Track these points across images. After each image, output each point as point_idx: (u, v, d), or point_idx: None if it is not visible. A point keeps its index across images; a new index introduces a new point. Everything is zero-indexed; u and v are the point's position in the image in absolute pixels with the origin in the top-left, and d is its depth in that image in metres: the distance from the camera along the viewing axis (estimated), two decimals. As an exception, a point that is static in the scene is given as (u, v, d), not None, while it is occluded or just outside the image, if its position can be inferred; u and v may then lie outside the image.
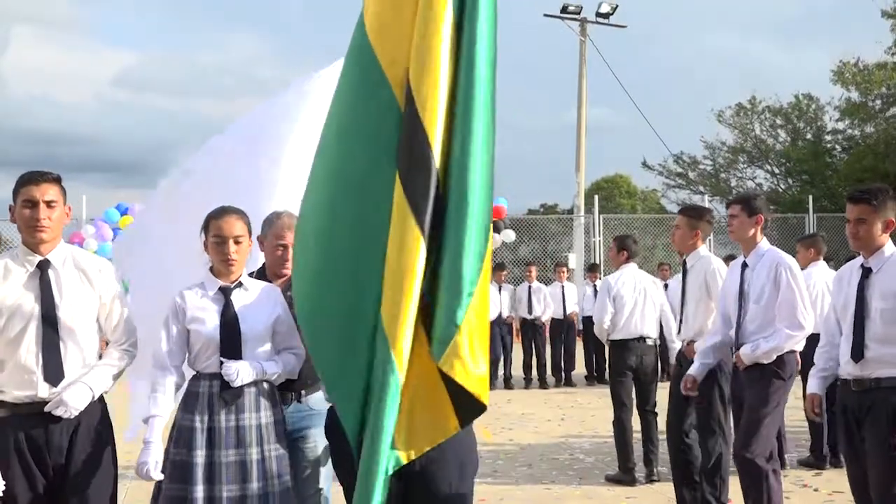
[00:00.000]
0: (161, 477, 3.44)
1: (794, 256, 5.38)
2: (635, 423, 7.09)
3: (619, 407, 7.07)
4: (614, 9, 22.64)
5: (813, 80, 66.97)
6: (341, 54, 3.03)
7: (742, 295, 4.98)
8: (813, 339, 5.08)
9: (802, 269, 7.56)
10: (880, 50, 27.93)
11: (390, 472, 2.70)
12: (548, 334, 14.02)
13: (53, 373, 3.41)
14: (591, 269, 14.59)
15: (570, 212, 23.14)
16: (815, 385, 4.31)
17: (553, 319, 14.02)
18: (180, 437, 3.47)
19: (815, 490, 6.59)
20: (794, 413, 7.82)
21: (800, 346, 5.06)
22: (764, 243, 5.05)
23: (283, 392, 3.72)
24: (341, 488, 3.24)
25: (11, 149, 62.91)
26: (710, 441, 5.59)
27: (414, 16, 2.76)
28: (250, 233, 3.68)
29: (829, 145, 31.84)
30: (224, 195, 3.89)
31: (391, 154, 2.77)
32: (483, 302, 2.68)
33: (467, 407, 2.71)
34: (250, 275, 3.85)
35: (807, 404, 4.39)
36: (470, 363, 2.62)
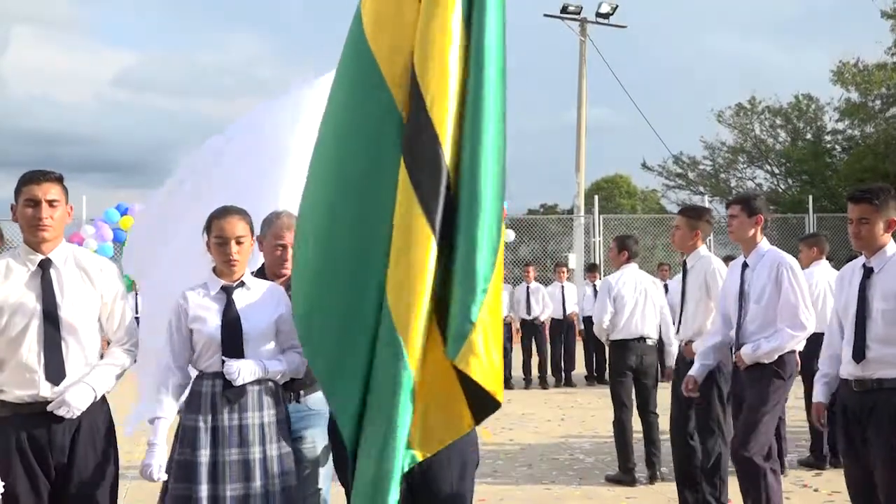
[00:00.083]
0: (164, 479, 3.45)
1: (795, 256, 5.38)
2: (636, 423, 7.09)
3: (619, 407, 7.06)
4: (614, 9, 22.64)
5: (813, 81, 67.04)
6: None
7: (742, 295, 4.98)
8: (814, 339, 5.08)
9: (805, 268, 7.60)
10: (880, 50, 27.97)
11: (405, 470, 2.69)
12: (548, 334, 14.02)
13: (55, 372, 3.41)
14: (591, 270, 14.59)
15: (570, 212, 23.15)
16: (819, 393, 4.30)
17: (553, 319, 14.02)
18: (184, 437, 3.48)
19: (815, 490, 6.59)
20: (794, 413, 7.84)
21: (800, 346, 5.07)
22: (764, 243, 5.04)
23: (282, 392, 3.73)
24: (342, 489, 3.24)
25: (11, 149, 62.93)
26: (708, 441, 5.60)
27: (414, 14, 2.75)
28: (252, 233, 3.68)
29: (828, 145, 31.85)
30: (226, 195, 3.90)
31: (390, 154, 2.76)
32: (497, 298, 2.67)
33: (482, 404, 2.69)
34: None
35: (812, 413, 4.38)
36: (485, 360, 2.60)
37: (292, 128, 4.71)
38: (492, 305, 2.63)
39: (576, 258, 20.16)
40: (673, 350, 6.90)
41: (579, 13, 22.74)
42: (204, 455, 3.42)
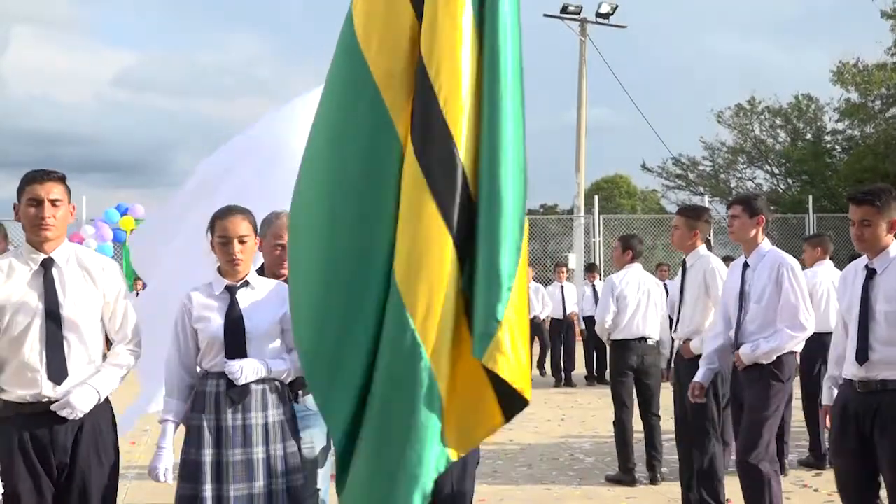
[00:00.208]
0: (170, 481, 3.48)
1: (796, 256, 5.38)
2: (636, 423, 7.08)
3: (619, 407, 7.06)
4: (614, 9, 22.64)
5: (813, 81, 67.04)
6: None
7: (743, 295, 4.97)
8: (815, 340, 5.09)
9: (809, 268, 7.62)
10: (880, 50, 27.98)
11: (442, 469, 2.65)
12: (547, 335, 14.02)
13: (57, 371, 3.42)
14: (590, 270, 14.59)
15: (570, 212, 23.15)
16: (827, 395, 4.29)
17: (553, 319, 14.02)
18: (189, 437, 3.51)
19: (815, 490, 6.60)
20: (793, 413, 7.83)
21: (799, 348, 5.06)
22: (765, 244, 5.03)
23: (288, 391, 3.73)
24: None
25: (11, 149, 62.86)
26: (704, 441, 5.61)
27: (407, 13, 2.73)
28: (256, 232, 3.69)
29: (828, 145, 31.85)
30: (229, 196, 3.91)
31: (380, 155, 2.74)
32: (522, 296, 2.64)
33: (510, 402, 2.67)
34: None
35: (820, 415, 4.37)
36: (512, 358, 2.59)
37: (295, 131, 4.73)
38: (518, 304, 2.61)
39: (576, 258, 20.16)
40: (665, 353, 6.92)
41: (579, 13, 22.74)
42: (208, 455, 3.43)
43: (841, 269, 5.30)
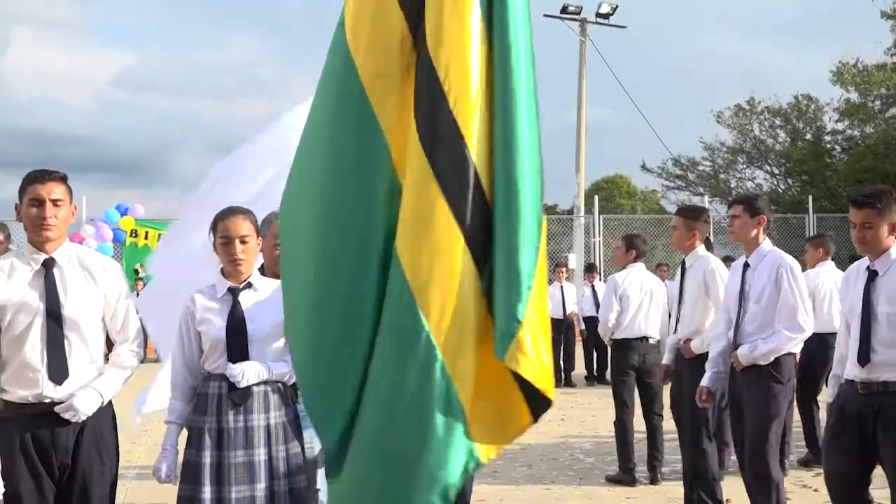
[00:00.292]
0: (173, 482, 3.50)
1: (796, 256, 5.38)
2: (637, 423, 7.08)
3: (620, 407, 7.05)
4: (614, 9, 22.63)
5: (813, 81, 67.04)
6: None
7: (743, 295, 4.97)
8: (815, 340, 5.09)
9: (811, 268, 7.62)
10: (880, 51, 27.99)
11: (472, 471, 2.61)
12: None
13: (58, 371, 3.42)
14: (589, 270, 14.58)
15: (570, 212, 23.16)
16: (833, 395, 4.29)
17: (553, 320, 13.98)
18: (191, 438, 3.52)
19: (815, 490, 6.59)
20: (794, 413, 7.84)
21: (798, 349, 5.06)
22: (766, 244, 5.02)
23: (291, 392, 3.74)
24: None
25: (11, 149, 62.95)
26: (699, 440, 5.63)
27: (396, 14, 2.71)
28: (258, 232, 3.69)
29: (828, 146, 31.87)
30: (234, 199, 3.94)
31: (370, 162, 2.71)
32: (542, 295, 2.60)
33: (535, 402, 2.63)
34: None
35: (827, 414, 4.38)
36: (535, 357, 2.55)
37: (296, 138, 4.77)
38: (538, 303, 2.57)
39: (576, 258, 20.16)
40: (663, 352, 6.93)
41: (579, 13, 22.73)
42: (208, 456, 3.44)
43: (841, 269, 5.30)
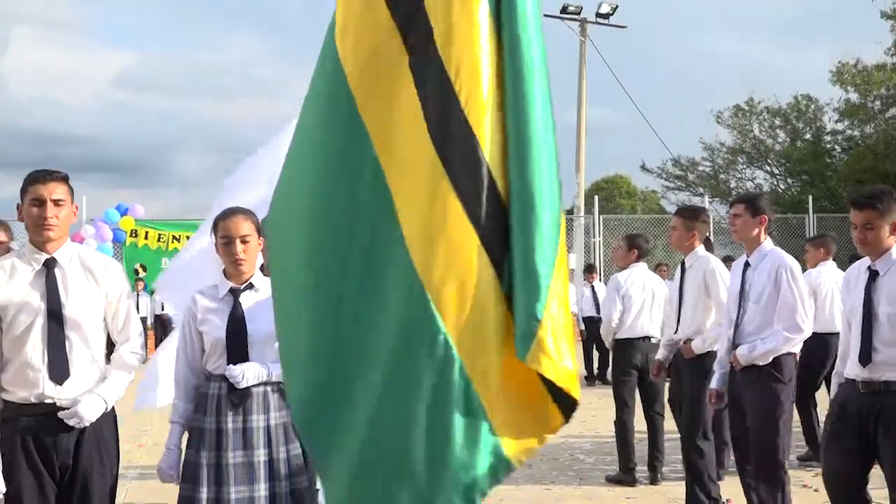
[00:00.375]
0: (176, 482, 3.51)
1: (796, 256, 5.38)
2: (638, 423, 7.08)
3: (620, 407, 7.04)
4: (614, 9, 22.64)
5: (813, 81, 67.06)
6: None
7: (743, 294, 4.98)
8: (815, 340, 5.09)
9: (812, 268, 7.63)
10: (880, 51, 28.01)
11: (500, 478, 2.54)
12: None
13: (59, 371, 3.42)
14: (589, 270, 14.56)
15: (570, 212, 23.15)
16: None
17: (553, 320, 13.97)
18: (191, 438, 3.53)
19: (815, 490, 6.59)
20: (794, 413, 7.84)
21: (798, 348, 5.06)
22: (767, 243, 5.02)
23: None
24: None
25: (11, 149, 62.96)
26: (697, 439, 5.65)
27: (384, 15, 2.69)
28: (259, 232, 3.70)
29: (828, 146, 31.89)
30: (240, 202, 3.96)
31: (355, 162, 2.69)
32: (563, 293, 2.56)
33: (561, 402, 2.57)
34: None
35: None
36: (557, 357, 2.50)
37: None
38: (560, 302, 2.53)
39: (576, 258, 20.17)
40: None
41: (579, 13, 22.73)
42: (206, 457, 3.44)
43: (842, 269, 5.30)
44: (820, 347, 6.71)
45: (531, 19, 2.63)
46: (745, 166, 34.19)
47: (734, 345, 4.95)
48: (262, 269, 4.07)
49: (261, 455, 3.46)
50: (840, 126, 31.12)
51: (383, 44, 2.71)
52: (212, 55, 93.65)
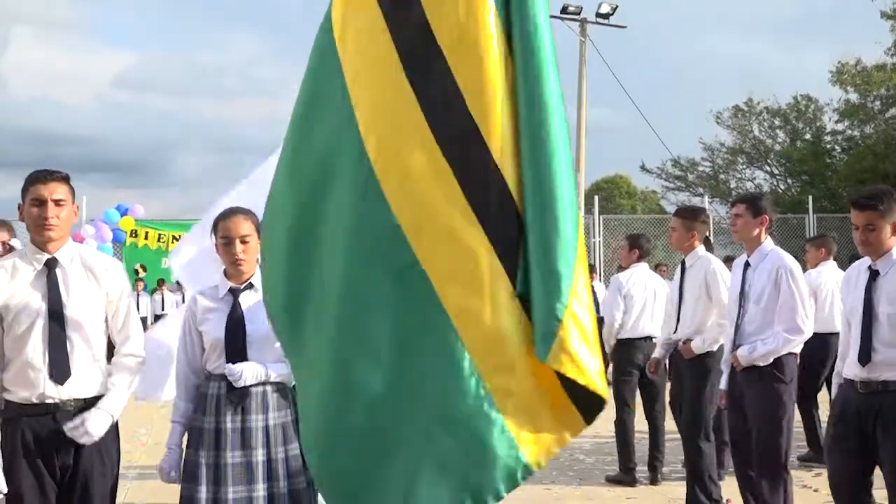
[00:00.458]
0: (177, 481, 3.52)
1: (796, 256, 5.38)
2: (638, 423, 7.08)
3: (621, 407, 7.04)
4: (614, 9, 22.61)
5: (813, 81, 67.06)
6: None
7: (743, 295, 4.98)
8: (816, 339, 5.08)
9: (812, 268, 7.63)
10: (880, 51, 28.02)
11: (519, 482, 2.51)
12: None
13: (60, 371, 3.42)
14: (588, 270, 14.52)
15: (570, 212, 23.09)
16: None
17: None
18: (190, 438, 3.54)
19: (815, 490, 6.60)
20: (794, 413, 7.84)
21: (799, 349, 5.07)
22: (768, 243, 5.02)
23: (291, 393, 3.75)
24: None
25: (11, 149, 63.03)
26: (698, 440, 5.65)
27: (377, 13, 2.67)
28: (259, 233, 3.69)
29: (828, 146, 31.89)
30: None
31: (346, 160, 2.66)
32: (586, 291, 2.52)
33: (586, 404, 2.53)
34: None
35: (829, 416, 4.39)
36: (580, 356, 2.46)
37: None
38: (583, 302, 2.49)
39: (576, 258, 20.12)
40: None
41: (579, 13, 22.71)
42: (205, 456, 3.45)
43: (842, 269, 5.30)
44: (820, 347, 6.71)
45: (542, 18, 2.60)
46: (744, 166, 34.21)
47: (735, 345, 4.96)
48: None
49: (259, 455, 3.46)
50: (840, 126, 31.15)
51: (374, 43, 2.68)
52: (212, 55, 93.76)
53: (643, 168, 35.31)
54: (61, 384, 3.42)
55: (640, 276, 7.23)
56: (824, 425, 7.05)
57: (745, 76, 70.72)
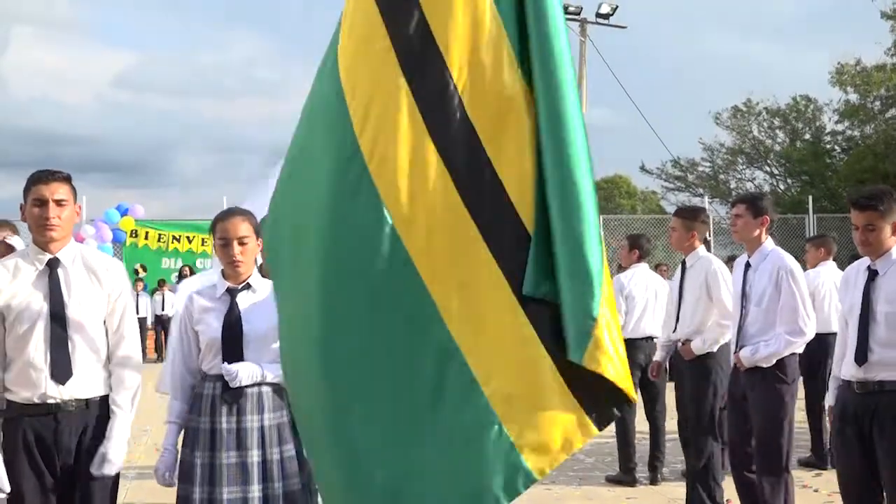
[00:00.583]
0: (173, 482, 3.52)
1: (796, 256, 5.38)
2: (639, 423, 7.08)
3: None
4: (614, 9, 22.63)
5: (812, 82, 67.08)
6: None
7: (744, 295, 4.98)
8: (816, 340, 5.08)
9: (812, 268, 7.62)
10: (880, 51, 28.02)
11: (521, 489, 2.51)
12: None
13: (61, 371, 3.42)
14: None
15: (570, 212, 23.10)
16: (832, 396, 4.28)
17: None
18: (186, 438, 3.54)
19: (815, 491, 6.60)
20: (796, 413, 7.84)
21: (801, 349, 5.07)
22: (768, 243, 5.01)
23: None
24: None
25: (11, 149, 63.00)
26: (701, 441, 5.63)
27: (376, 17, 2.66)
28: (257, 233, 3.70)
29: (828, 146, 31.90)
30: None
31: (344, 171, 2.64)
32: (611, 292, 2.50)
33: (599, 407, 2.49)
34: None
35: (826, 416, 4.38)
36: (615, 355, 2.45)
37: None
38: (609, 301, 2.48)
39: (576, 258, 20.13)
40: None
41: (579, 13, 22.72)
42: (200, 456, 3.45)
43: (842, 269, 5.30)
44: (819, 348, 6.71)
45: (558, 18, 2.58)
46: (744, 167, 34.22)
47: (738, 346, 4.96)
48: (259, 270, 4.07)
49: (254, 456, 3.45)
50: (840, 126, 31.16)
51: (374, 50, 2.66)
52: (212, 55, 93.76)
53: (643, 168, 35.37)
54: (63, 384, 3.42)
55: (640, 277, 7.23)
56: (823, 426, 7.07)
57: (745, 76, 70.78)
